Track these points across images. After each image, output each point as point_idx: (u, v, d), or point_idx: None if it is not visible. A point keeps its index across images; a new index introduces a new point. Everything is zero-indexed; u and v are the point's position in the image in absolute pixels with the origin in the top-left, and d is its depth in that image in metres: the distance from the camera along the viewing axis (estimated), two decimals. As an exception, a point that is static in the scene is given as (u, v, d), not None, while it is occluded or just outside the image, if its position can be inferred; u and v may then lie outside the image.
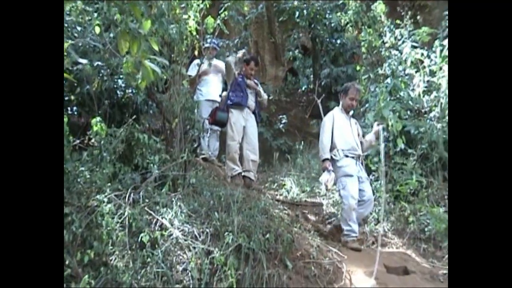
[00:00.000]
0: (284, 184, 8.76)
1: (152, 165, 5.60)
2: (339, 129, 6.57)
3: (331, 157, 6.44)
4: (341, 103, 6.85)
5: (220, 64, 9.11)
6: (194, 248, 4.64)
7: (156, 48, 3.70)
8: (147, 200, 5.08)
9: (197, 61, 8.24)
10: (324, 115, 9.01)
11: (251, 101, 7.86)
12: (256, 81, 8.15)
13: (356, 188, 6.32)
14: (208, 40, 8.68)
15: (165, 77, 6.18)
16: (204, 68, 8.55)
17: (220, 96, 8.26)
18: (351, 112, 6.85)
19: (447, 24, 9.18)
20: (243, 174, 7.54)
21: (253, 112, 7.93)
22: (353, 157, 6.49)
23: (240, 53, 8.13)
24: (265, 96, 8.22)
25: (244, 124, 7.68)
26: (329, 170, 6.32)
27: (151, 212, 4.93)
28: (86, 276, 3.93)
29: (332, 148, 6.49)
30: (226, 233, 4.84)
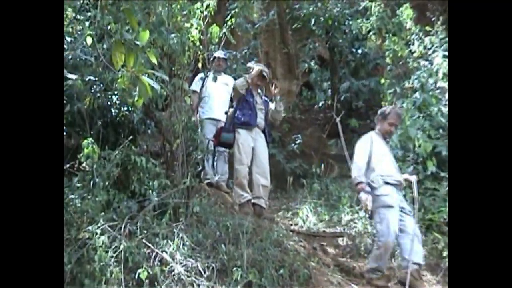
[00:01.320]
0: (300, 213, 8.73)
1: (150, 191, 5.61)
2: (378, 154, 6.38)
3: (368, 184, 6.20)
4: (377, 127, 6.64)
5: (227, 79, 9.09)
6: (199, 285, 4.65)
7: (154, 61, 3.74)
8: (145, 232, 5.07)
9: (201, 75, 8.23)
10: (344, 133, 9.01)
11: (261, 119, 7.84)
12: (265, 98, 8.14)
13: (397, 223, 6.05)
14: (218, 51, 8.70)
15: (165, 93, 6.21)
16: (208, 83, 8.49)
17: (226, 113, 8.19)
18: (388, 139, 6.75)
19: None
20: (253, 201, 7.51)
21: (263, 131, 7.91)
22: (393, 185, 6.26)
23: (252, 72, 7.97)
24: (281, 107, 8.16)
25: (253, 145, 7.65)
26: (365, 190, 6.09)
27: (150, 245, 4.92)
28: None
29: (370, 173, 6.29)
30: (235, 268, 4.83)
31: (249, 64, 8.43)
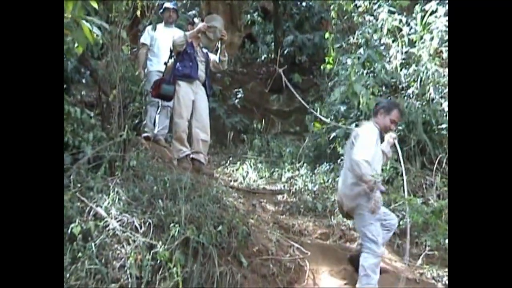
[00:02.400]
0: (239, 169, 8.78)
1: (85, 144, 5.53)
2: (377, 152, 5.68)
3: None
4: (376, 120, 5.88)
5: (176, 32, 8.90)
6: (134, 241, 4.63)
7: (95, 5, 3.63)
8: (78, 185, 5.01)
9: (150, 27, 8.13)
10: (286, 88, 9.04)
11: (201, 72, 7.78)
12: (206, 49, 8.06)
13: None
14: (167, 2, 8.59)
15: (101, 41, 6.08)
16: (158, 34, 8.40)
17: (165, 64, 8.05)
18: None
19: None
20: (191, 156, 7.49)
21: (203, 85, 7.86)
22: None
23: (193, 31, 7.81)
24: (225, 57, 8.07)
25: (193, 98, 7.60)
26: (380, 189, 5.30)
27: (84, 199, 4.86)
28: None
29: None
30: (172, 224, 4.84)
31: (195, 20, 8.29)
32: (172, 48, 7.68)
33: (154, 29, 7.92)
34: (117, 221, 4.75)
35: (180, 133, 7.45)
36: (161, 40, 8.44)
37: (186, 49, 7.59)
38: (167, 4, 8.63)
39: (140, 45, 8.55)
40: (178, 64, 7.57)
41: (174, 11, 8.91)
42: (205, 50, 7.98)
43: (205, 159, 7.67)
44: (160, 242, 4.66)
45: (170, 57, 7.75)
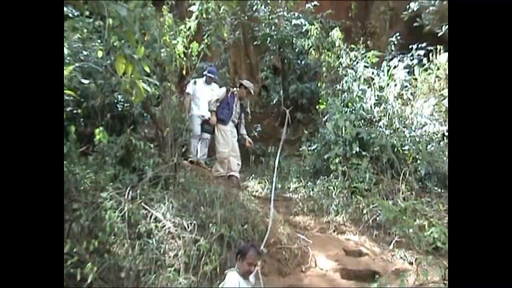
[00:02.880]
0: (259, 182, 8.77)
1: (147, 167, 5.59)
2: None
3: None
4: (237, 266, 3.98)
5: (214, 86, 8.87)
6: (183, 237, 4.69)
7: (147, 70, 3.70)
8: (143, 197, 5.09)
9: (193, 81, 8.17)
10: (292, 123, 9.04)
11: (235, 118, 8.01)
12: (241, 102, 8.22)
13: None
14: (207, 70, 8.70)
15: (157, 93, 6.21)
16: (198, 87, 8.45)
17: (210, 111, 8.05)
18: None
19: (392, 48, 9.46)
20: (230, 173, 7.72)
21: (236, 126, 8.13)
22: None
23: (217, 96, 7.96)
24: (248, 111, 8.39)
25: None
26: None
27: (147, 207, 4.96)
28: (90, 263, 4.03)
29: None
30: (211, 224, 4.91)
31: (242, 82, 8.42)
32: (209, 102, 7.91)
33: (195, 83, 8.01)
34: (171, 223, 4.83)
35: (223, 159, 7.70)
36: (201, 93, 8.43)
37: (227, 99, 7.83)
38: (209, 74, 8.61)
39: (186, 95, 8.56)
40: (219, 110, 7.79)
41: (210, 77, 8.82)
42: (241, 102, 8.21)
43: (237, 176, 7.91)
44: (202, 238, 4.72)
45: (209, 108, 7.85)
